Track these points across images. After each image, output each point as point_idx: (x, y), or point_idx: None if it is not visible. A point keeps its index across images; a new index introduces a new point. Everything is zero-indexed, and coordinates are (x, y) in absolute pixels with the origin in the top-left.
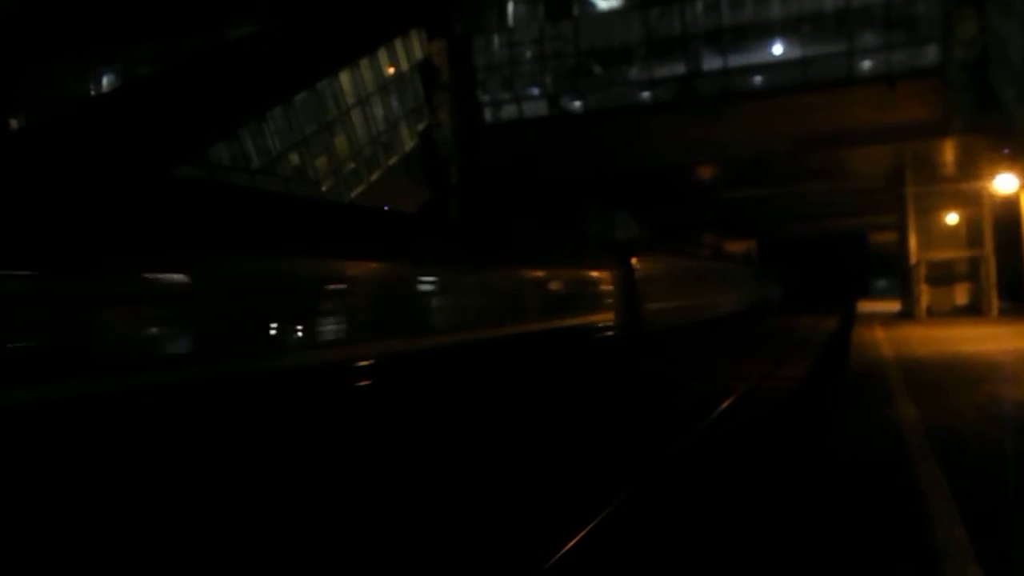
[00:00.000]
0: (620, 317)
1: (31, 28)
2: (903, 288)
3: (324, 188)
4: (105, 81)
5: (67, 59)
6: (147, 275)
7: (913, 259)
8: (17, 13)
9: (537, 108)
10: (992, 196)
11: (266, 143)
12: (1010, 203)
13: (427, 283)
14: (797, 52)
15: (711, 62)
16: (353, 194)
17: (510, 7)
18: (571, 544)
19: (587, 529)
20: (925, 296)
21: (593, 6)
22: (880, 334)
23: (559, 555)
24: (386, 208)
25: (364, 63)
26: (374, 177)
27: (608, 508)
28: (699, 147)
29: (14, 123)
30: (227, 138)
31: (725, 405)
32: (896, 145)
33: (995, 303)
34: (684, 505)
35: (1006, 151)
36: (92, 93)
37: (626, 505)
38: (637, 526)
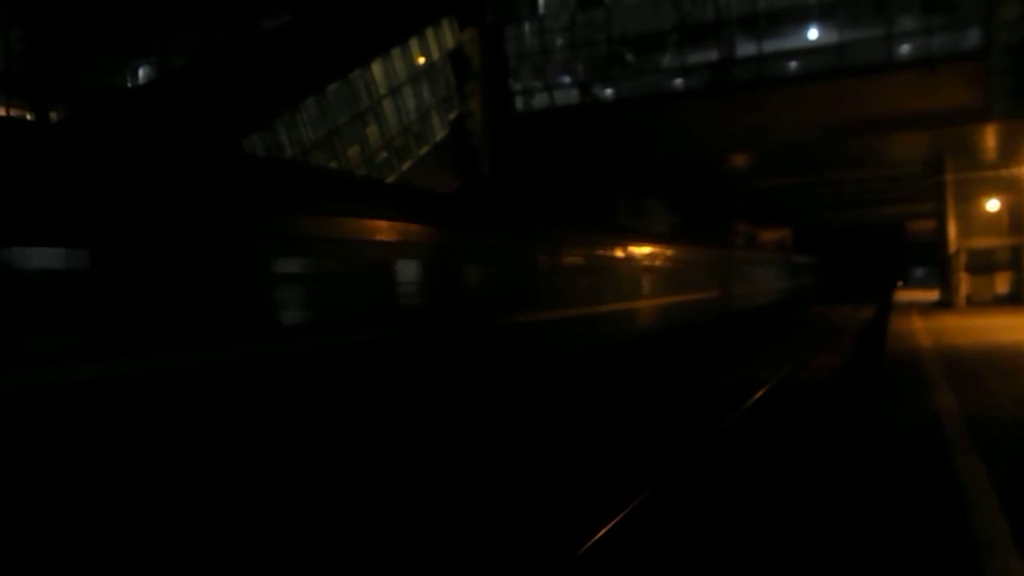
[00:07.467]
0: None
1: (70, 21)
2: (941, 277)
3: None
4: (142, 73)
5: (105, 52)
6: None
7: (952, 247)
8: (57, 5)
9: (569, 96)
10: None
11: (299, 133)
12: None
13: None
14: (834, 37)
15: (745, 48)
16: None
17: None
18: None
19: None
20: (964, 285)
21: None
22: (918, 323)
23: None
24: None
25: (396, 53)
26: (405, 167)
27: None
28: (733, 135)
29: (54, 115)
30: (261, 129)
31: (760, 394)
32: (935, 131)
33: None
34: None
35: None
36: (129, 85)
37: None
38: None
